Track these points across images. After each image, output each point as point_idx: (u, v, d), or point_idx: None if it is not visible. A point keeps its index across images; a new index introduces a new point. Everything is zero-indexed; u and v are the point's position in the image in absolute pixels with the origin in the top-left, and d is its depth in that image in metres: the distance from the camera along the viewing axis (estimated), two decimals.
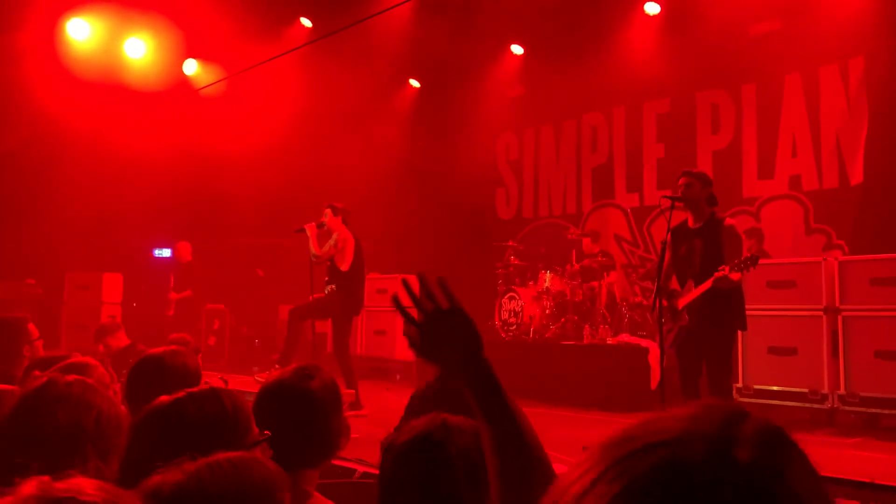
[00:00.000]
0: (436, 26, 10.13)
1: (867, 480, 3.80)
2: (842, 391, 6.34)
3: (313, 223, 7.19)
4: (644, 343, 7.79)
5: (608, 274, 9.02)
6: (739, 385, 6.87)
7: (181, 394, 1.66)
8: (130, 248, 11.56)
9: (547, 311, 8.93)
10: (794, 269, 6.86)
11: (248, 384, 6.61)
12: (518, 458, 1.31)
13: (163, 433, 1.58)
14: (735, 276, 4.79)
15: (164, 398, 1.67)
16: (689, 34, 9.11)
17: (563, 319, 8.81)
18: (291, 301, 8.36)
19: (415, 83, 12.33)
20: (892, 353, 6.10)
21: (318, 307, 7.25)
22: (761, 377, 6.82)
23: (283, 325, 9.01)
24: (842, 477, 3.83)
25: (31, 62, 9.66)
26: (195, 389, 1.71)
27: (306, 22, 10.80)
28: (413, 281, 1.49)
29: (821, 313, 6.56)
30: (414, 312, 1.45)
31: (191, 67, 11.23)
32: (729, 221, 5.15)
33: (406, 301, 1.45)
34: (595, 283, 8.84)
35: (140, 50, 10.73)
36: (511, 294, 9.19)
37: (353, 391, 6.69)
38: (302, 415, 2.05)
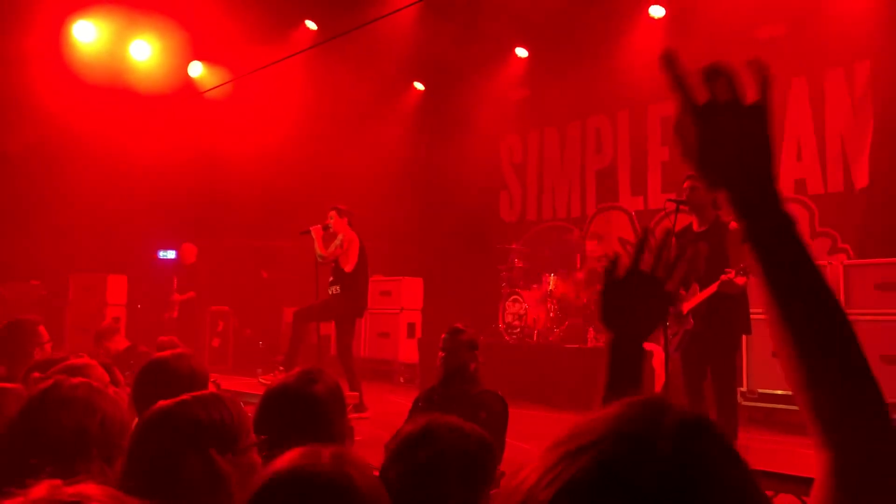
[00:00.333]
0: (440, 29, 10.15)
1: None
2: None
3: (319, 225, 7.20)
4: (648, 347, 7.76)
5: None
6: (744, 389, 6.85)
7: (185, 397, 1.67)
8: (135, 249, 11.58)
9: (551, 314, 8.92)
10: None
11: (252, 386, 6.62)
12: (827, 362, 0.85)
13: (164, 435, 1.58)
14: (741, 280, 4.78)
15: (165, 401, 1.68)
16: (693, 37, 9.09)
17: (567, 322, 8.80)
18: (296, 303, 8.37)
19: (419, 86, 12.34)
20: None
21: (322, 309, 7.26)
22: (766, 381, 6.80)
23: (287, 328, 9.03)
24: None
25: (37, 64, 9.70)
26: (198, 393, 1.72)
27: (311, 25, 10.82)
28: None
29: None
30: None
31: (196, 70, 11.26)
32: (734, 225, 5.12)
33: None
34: (600, 286, 8.81)
35: (146, 52, 10.76)
36: (515, 297, 9.18)
37: (357, 393, 6.69)
38: (306, 418, 2.06)
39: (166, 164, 10.40)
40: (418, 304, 10.59)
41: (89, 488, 0.87)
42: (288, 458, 1.24)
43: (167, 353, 2.79)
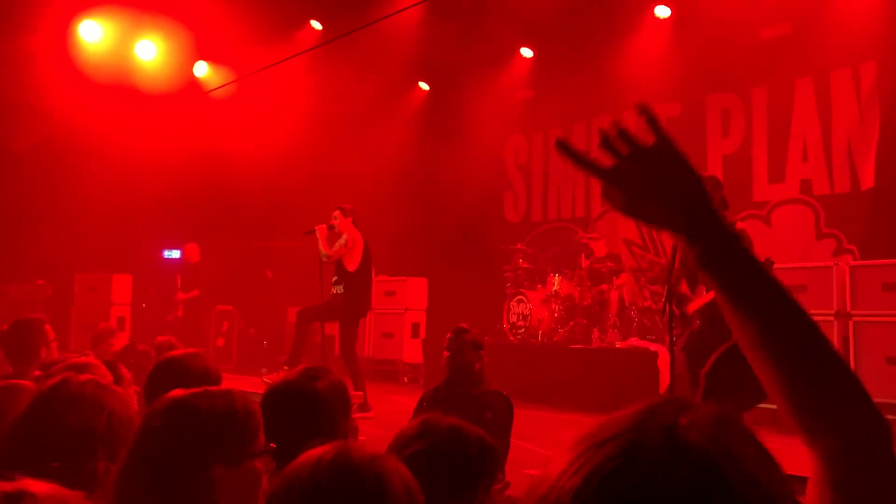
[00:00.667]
0: (445, 29, 10.15)
1: None
2: None
3: (323, 225, 7.20)
4: (653, 347, 7.76)
5: (617, 277, 9.00)
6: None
7: (196, 389, 1.67)
8: (140, 249, 11.61)
9: (555, 315, 8.91)
10: (806, 273, 6.82)
11: (256, 385, 6.62)
12: (804, 357, 0.87)
13: (172, 426, 1.58)
14: None
15: (177, 391, 1.67)
16: (699, 37, 9.07)
17: (571, 323, 8.79)
18: (300, 303, 8.38)
19: (424, 86, 12.34)
20: None
21: (326, 309, 7.27)
22: None
23: (291, 327, 9.03)
24: None
25: (42, 64, 9.73)
26: (211, 388, 1.72)
27: (316, 24, 10.83)
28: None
29: (832, 318, 6.52)
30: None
31: (201, 69, 11.28)
32: (740, 226, 5.13)
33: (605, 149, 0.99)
34: (604, 287, 8.82)
35: (151, 52, 10.78)
36: (519, 297, 9.18)
37: (362, 393, 6.69)
38: (307, 415, 2.05)
39: (171, 163, 10.42)
40: (422, 305, 10.59)
41: (31, 484, 0.87)
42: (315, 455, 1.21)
43: (181, 351, 2.80)
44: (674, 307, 5.17)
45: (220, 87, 10.56)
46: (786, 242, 8.49)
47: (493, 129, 11.78)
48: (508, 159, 12.25)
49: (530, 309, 8.99)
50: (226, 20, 9.72)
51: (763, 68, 9.00)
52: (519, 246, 10.04)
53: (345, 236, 7.16)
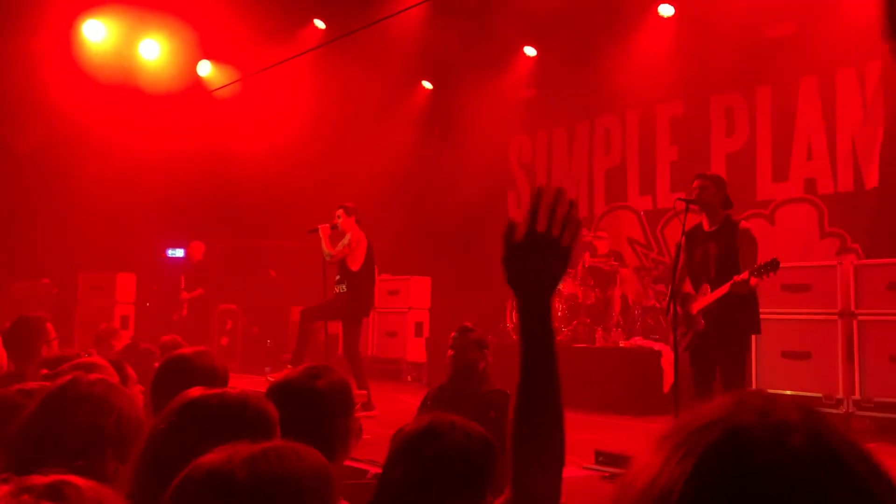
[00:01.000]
0: (449, 28, 10.13)
1: None
2: (857, 396, 6.26)
3: (326, 224, 7.20)
4: (657, 346, 7.75)
5: (619, 275, 8.98)
6: (753, 389, 6.81)
7: (216, 390, 1.67)
8: (144, 248, 11.62)
9: (559, 314, 8.90)
10: (810, 272, 6.80)
11: (260, 384, 6.63)
12: (542, 406, 1.28)
13: (188, 425, 1.58)
14: (754, 281, 4.75)
15: (197, 389, 1.67)
16: (703, 36, 9.06)
17: (575, 322, 8.79)
18: (303, 302, 8.38)
19: (427, 85, 12.33)
20: None
21: (329, 308, 7.27)
22: (775, 382, 6.76)
23: (294, 326, 9.03)
24: None
25: (46, 63, 9.74)
26: (228, 389, 1.72)
27: (320, 24, 10.83)
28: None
29: (836, 317, 6.51)
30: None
31: (205, 69, 11.28)
32: (744, 225, 5.11)
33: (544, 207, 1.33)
34: (609, 290, 8.81)
35: (154, 51, 10.79)
36: None
37: (365, 392, 6.69)
38: (308, 414, 2.05)
39: (175, 162, 10.43)
40: (426, 304, 10.59)
41: (72, 477, 0.87)
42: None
43: (189, 349, 2.80)
44: (678, 307, 5.16)
45: (223, 86, 10.57)
46: (790, 241, 8.48)
47: (496, 128, 11.77)
48: (512, 158, 12.25)
49: None
50: (229, 19, 9.73)
51: (767, 67, 8.98)
52: None
53: (348, 235, 7.16)
